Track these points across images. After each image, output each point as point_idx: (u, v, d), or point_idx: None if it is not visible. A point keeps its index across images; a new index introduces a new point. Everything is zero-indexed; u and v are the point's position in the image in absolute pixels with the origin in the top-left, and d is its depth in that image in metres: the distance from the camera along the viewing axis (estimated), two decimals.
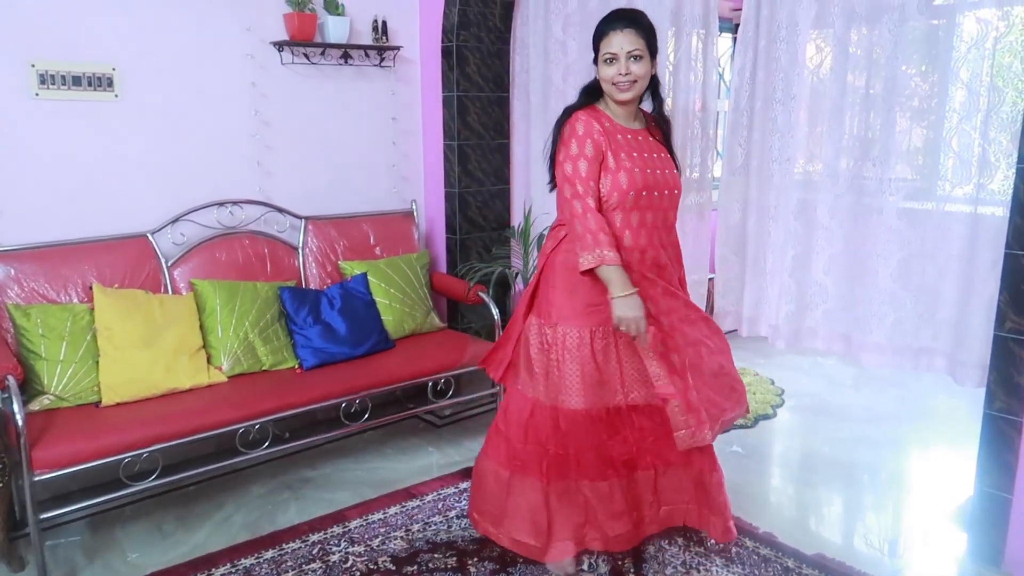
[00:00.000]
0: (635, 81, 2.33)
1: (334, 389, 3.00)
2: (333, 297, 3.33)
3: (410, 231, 3.86)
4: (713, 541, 2.63)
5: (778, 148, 3.06)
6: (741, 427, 3.67)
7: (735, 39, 3.31)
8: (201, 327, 3.03)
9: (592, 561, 2.57)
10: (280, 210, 3.54)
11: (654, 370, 2.36)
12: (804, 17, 2.92)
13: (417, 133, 4.07)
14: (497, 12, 3.89)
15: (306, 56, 3.58)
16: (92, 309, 2.84)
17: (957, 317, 2.69)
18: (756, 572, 2.50)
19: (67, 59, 2.97)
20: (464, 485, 3.08)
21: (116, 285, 2.98)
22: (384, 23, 3.73)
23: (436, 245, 4.11)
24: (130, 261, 3.06)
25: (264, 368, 3.09)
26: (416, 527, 2.78)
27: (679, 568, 2.53)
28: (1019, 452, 2.43)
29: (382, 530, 2.76)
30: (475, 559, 2.58)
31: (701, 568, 2.53)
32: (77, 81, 3.00)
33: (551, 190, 2.53)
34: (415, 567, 2.54)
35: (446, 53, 3.85)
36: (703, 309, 3.18)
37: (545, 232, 3.70)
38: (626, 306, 2.26)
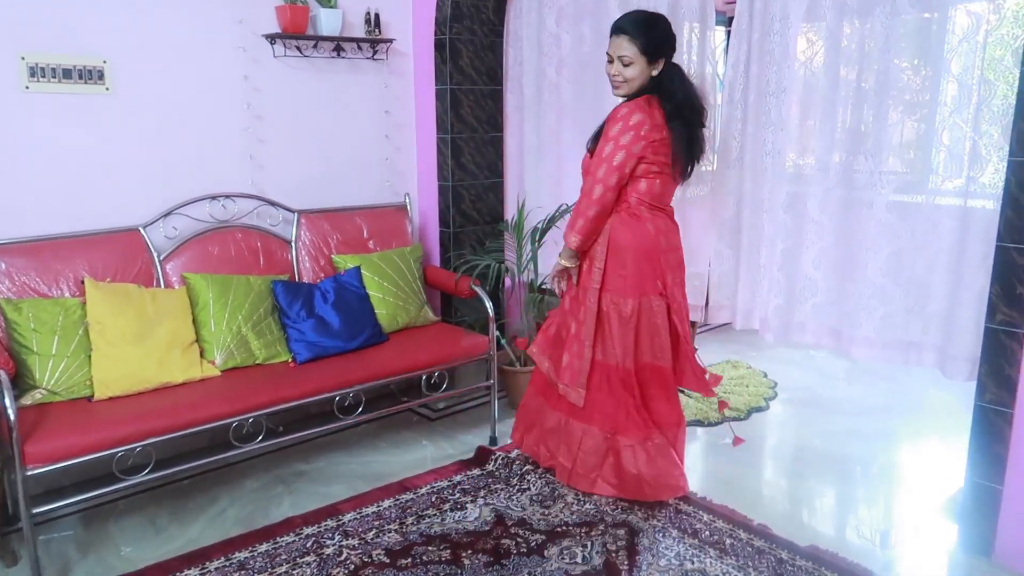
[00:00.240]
0: (625, 81, 2.67)
1: (328, 383, 3.00)
2: (326, 291, 3.33)
3: (403, 224, 3.85)
4: (708, 534, 2.64)
5: (771, 141, 3.06)
6: (734, 419, 3.69)
7: (729, 32, 3.31)
8: (194, 321, 3.02)
9: (586, 554, 2.58)
10: (273, 204, 3.53)
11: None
12: (796, 10, 2.92)
13: (410, 126, 4.06)
14: (490, 5, 3.88)
15: (298, 49, 3.57)
16: (84, 303, 2.83)
17: (947, 311, 2.69)
18: (750, 563, 2.52)
19: (57, 52, 2.95)
20: (458, 478, 3.09)
21: (108, 279, 2.97)
22: (377, 16, 3.72)
23: (429, 239, 4.11)
24: (122, 255, 3.05)
25: (257, 362, 3.09)
26: (410, 520, 2.79)
27: (673, 560, 2.54)
28: (1009, 443, 2.45)
29: (376, 523, 2.76)
30: (469, 551, 2.59)
31: (695, 559, 2.54)
32: (68, 74, 2.98)
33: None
34: (409, 560, 2.54)
35: (439, 46, 3.84)
36: (701, 302, 3.37)
37: (539, 226, 3.70)
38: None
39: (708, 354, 4.62)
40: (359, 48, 3.74)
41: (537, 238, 3.69)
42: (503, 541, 2.65)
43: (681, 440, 2.94)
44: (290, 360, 3.15)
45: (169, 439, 2.62)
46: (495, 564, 2.52)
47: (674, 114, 2.67)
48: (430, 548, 2.61)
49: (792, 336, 3.15)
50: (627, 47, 2.63)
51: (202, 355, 2.98)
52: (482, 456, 3.27)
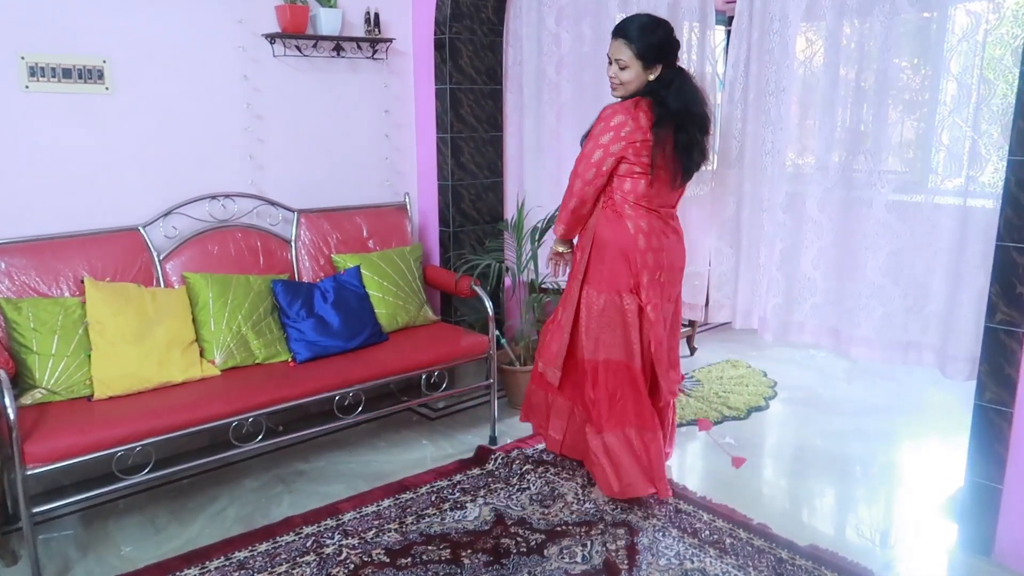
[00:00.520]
0: (621, 84, 2.73)
1: (327, 382, 3.00)
2: (326, 290, 3.33)
3: (403, 224, 3.85)
4: (708, 533, 2.64)
5: (771, 141, 3.06)
6: (734, 419, 3.69)
7: (729, 32, 3.31)
8: (194, 320, 3.02)
9: (585, 553, 2.58)
10: (273, 203, 3.53)
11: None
12: (796, 9, 2.92)
13: (410, 126, 4.06)
14: (490, 4, 3.87)
15: (298, 48, 3.57)
16: (84, 303, 2.83)
17: (946, 310, 2.69)
18: (750, 563, 2.52)
19: (57, 51, 2.95)
20: (457, 477, 3.09)
21: (108, 279, 2.97)
22: (376, 15, 3.72)
23: (429, 238, 4.11)
24: (122, 254, 3.05)
25: (257, 361, 3.09)
26: (410, 519, 2.79)
27: (672, 559, 2.55)
28: (1009, 443, 2.45)
29: (376, 523, 2.77)
30: (468, 551, 2.59)
31: (695, 559, 2.55)
32: (68, 74, 2.98)
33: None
34: (409, 559, 2.55)
35: (439, 45, 3.84)
36: (701, 301, 3.38)
37: (539, 225, 3.70)
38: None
39: (708, 353, 4.62)
40: (359, 48, 3.74)
41: (537, 237, 3.69)
42: (503, 540, 2.65)
43: (647, 442, 2.86)
44: (290, 360, 3.15)
45: (169, 439, 2.62)
46: (495, 563, 2.52)
47: (662, 120, 2.67)
48: (430, 547, 2.61)
49: (791, 336, 3.15)
50: (623, 51, 2.68)
51: (202, 355, 2.98)
52: (482, 455, 3.27)
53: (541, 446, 3.35)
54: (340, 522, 2.77)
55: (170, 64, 3.22)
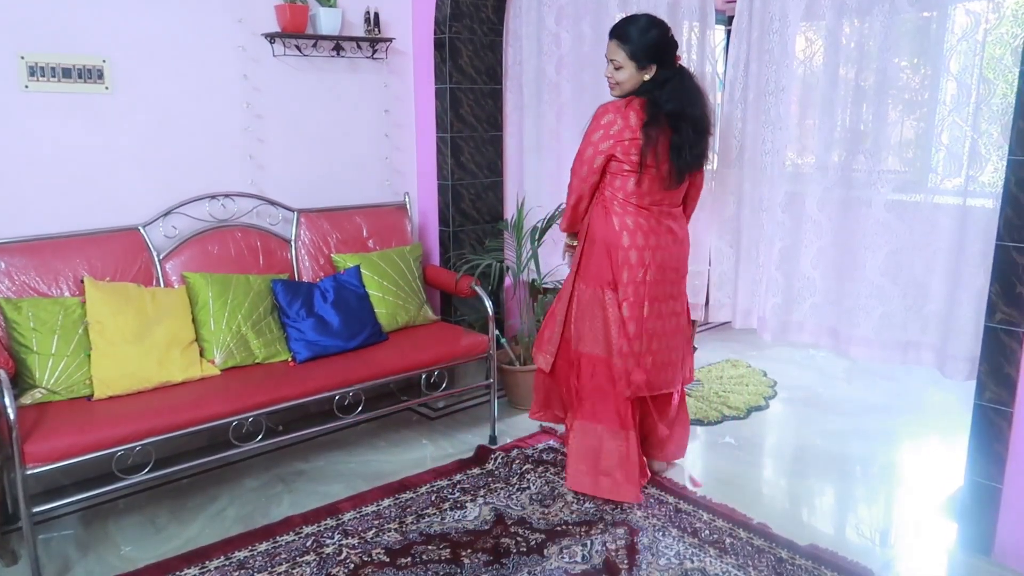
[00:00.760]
0: (617, 84, 2.77)
1: (327, 382, 3.00)
2: (326, 290, 3.33)
3: (403, 224, 3.85)
4: (705, 531, 2.64)
5: (770, 140, 3.06)
6: (734, 418, 3.69)
7: (729, 31, 3.31)
8: (193, 320, 3.02)
9: (585, 553, 2.58)
10: (272, 203, 3.53)
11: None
12: (795, 8, 2.92)
13: (410, 125, 4.06)
14: (490, 3, 3.87)
15: (298, 48, 3.57)
16: (84, 302, 2.82)
17: (946, 310, 2.69)
18: (749, 562, 2.52)
19: (57, 51, 2.95)
20: (457, 477, 3.09)
21: (108, 278, 2.97)
22: (376, 15, 3.72)
23: (429, 238, 4.11)
24: (122, 254, 3.05)
25: (257, 361, 3.09)
26: (410, 519, 2.79)
27: (672, 559, 2.55)
28: (1009, 442, 2.45)
29: (376, 522, 2.77)
30: (468, 551, 2.59)
31: (695, 559, 2.55)
32: (67, 73, 2.98)
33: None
34: (409, 559, 2.55)
35: (439, 45, 3.84)
36: (701, 300, 3.41)
37: (539, 225, 3.70)
38: None
39: (708, 353, 4.62)
40: (359, 47, 3.74)
41: (537, 237, 3.69)
42: (503, 540, 2.65)
43: (616, 442, 2.88)
44: (290, 359, 3.15)
45: (169, 438, 2.62)
46: (495, 563, 2.53)
47: (653, 119, 2.68)
48: (430, 547, 2.61)
49: (790, 335, 3.15)
50: (618, 52, 2.73)
51: (202, 354, 2.98)
52: (482, 455, 3.27)
53: (541, 445, 3.35)
54: (340, 522, 2.77)
55: (170, 64, 3.22)
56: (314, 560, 2.54)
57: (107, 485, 2.56)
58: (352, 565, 2.51)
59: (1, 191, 2.90)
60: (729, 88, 3.15)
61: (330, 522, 2.77)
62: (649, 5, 3.24)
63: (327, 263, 3.55)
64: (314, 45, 3.61)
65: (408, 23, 3.95)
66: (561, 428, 3.38)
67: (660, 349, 2.89)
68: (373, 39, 3.72)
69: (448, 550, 2.59)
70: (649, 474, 3.05)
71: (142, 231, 3.14)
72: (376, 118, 3.91)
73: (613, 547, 2.61)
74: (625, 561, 2.53)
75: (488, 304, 3.38)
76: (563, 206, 3.07)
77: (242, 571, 2.48)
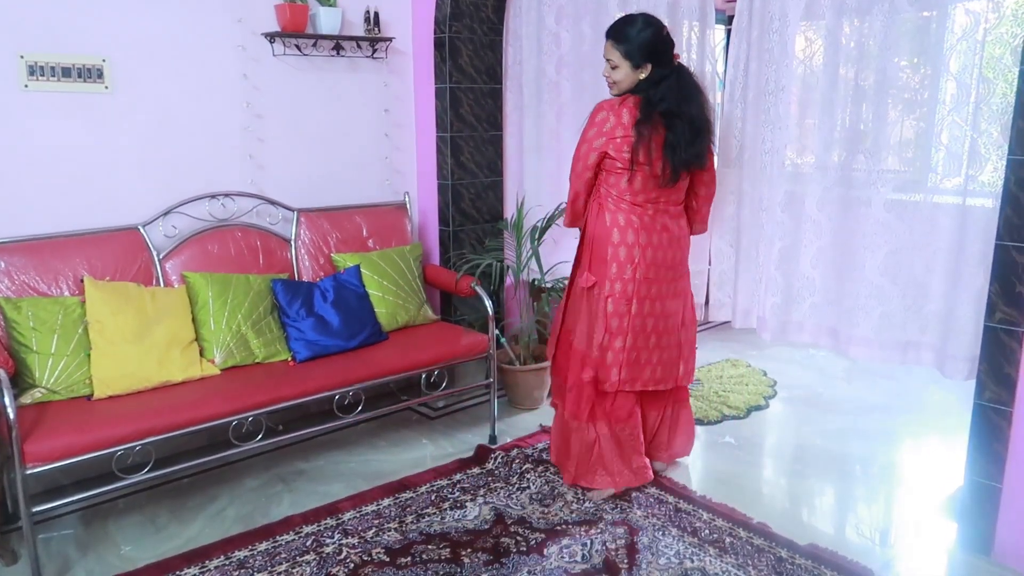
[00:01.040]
0: (614, 83, 2.79)
1: (327, 381, 3.00)
2: (326, 289, 3.33)
3: (403, 223, 3.85)
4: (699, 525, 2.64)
5: (770, 140, 3.06)
6: (734, 418, 3.69)
7: (729, 31, 3.31)
8: (193, 320, 3.02)
9: (585, 552, 2.58)
10: (272, 202, 3.53)
11: None
12: (795, 8, 2.91)
13: (410, 125, 4.06)
14: (490, 3, 3.87)
15: (298, 48, 3.57)
16: (83, 302, 2.82)
17: (945, 310, 2.69)
18: (749, 562, 2.52)
19: (57, 50, 2.95)
20: (457, 476, 3.09)
21: (107, 278, 2.97)
22: (376, 14, 3.72)
23: (429, 237, 4.11)
24: (121, 254, 3.05)
25: (257, 361, 3.09)
26: (410, 519, 2.79)
27: (672, 558, 2.55)
28: (1009, 442, 2.45)
29: (376, 522, 2.77)
30: (468, 550, 2.59)
31: (695, 558, 2.55)
32: (67, 73, 2.98)
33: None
34: (409, 558, 2.55)
35: (439, 44, 3.83)
36: (701, 300, 3.40)
37: (539, 224, 3.70)
38: None
39: (708, 352, 4.62)
40: (358, 47, 3.74)
41: (537, 237, 3.69)
42: (503, 540, 2.65)
43: (592, 434, 2.93)
44: (289, 359, 3.15)
45: (169, 438, 2.62)
46: (495, 563, 2.53)
47: (646, 117, 2.68)
48: (430, 547, 2.61)
49: (789, 335, 3.15)
50: (613, 51, 2.75)
51: (201, 354, 2.98)
52: (482, 455, 3.27)
53: (541, 445, 3.35)
54: (340, 521, 2.77)
55: (170, 63, 3.22)
56: (314, 560, 2.54)
57: (107, 485, 2.56)
58: (352, 564, 2.51)
59: (1, 191, 2.90)
60: (729, 88, 3.15)
61: (330, 522, 2.77)
62: (649, 5, 3.23)
63: (327, 263, 3.55)
64: (314, 45, 3.61)
65: (408, 23, 3.95)
66: None
67: (646, 347, 2.87)
68: (373, 38, 3.72)
69: (448, 550, 2.60)
70: (651, 474, 3.03)
71: (142, 231, 3.14)
72: (376, 118, 3.91)
73: (613, 547, 2.61)
74: (625, 561, 2.53)
75: (488, 304, 3.38)
76: (563, 204, 3.11)
77: (242, 571, 2.49)
